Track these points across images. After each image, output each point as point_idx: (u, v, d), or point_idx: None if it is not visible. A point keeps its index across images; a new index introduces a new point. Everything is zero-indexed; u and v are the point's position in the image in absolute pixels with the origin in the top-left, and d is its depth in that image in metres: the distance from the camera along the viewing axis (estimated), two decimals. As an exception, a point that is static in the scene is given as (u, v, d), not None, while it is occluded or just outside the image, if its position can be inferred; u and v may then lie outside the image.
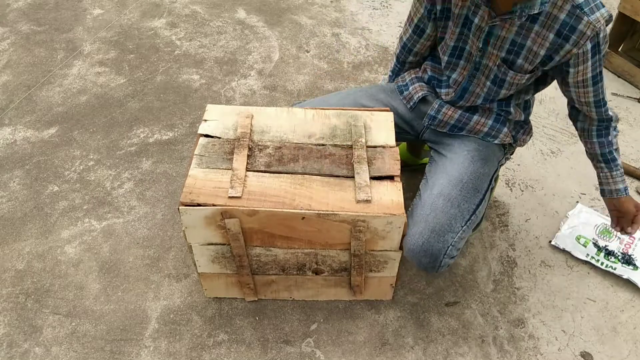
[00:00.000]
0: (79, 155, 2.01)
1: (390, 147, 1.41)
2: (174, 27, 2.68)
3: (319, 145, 1.41)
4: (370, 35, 2.65)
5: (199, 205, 1.25)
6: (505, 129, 1.47)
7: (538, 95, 2.29)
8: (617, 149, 1.42)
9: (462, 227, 1.34)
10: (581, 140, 1.48)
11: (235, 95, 2.28)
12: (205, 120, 1.46)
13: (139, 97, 2.27)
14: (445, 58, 1.42)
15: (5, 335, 1.49)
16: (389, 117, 1.48)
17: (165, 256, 1.68)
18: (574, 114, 1.45)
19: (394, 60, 1.63)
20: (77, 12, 2.77)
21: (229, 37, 2.62)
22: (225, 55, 2.50)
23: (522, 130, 1.53)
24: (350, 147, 1.40)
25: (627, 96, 2.30)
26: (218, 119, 1.46)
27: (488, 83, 1.38)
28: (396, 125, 1.49)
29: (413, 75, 1.57)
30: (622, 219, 1.48)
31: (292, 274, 1.45)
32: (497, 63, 1.32)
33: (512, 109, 1.45)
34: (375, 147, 1.41)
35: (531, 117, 2.16)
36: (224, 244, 1.35)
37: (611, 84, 2.36)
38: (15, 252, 1.69)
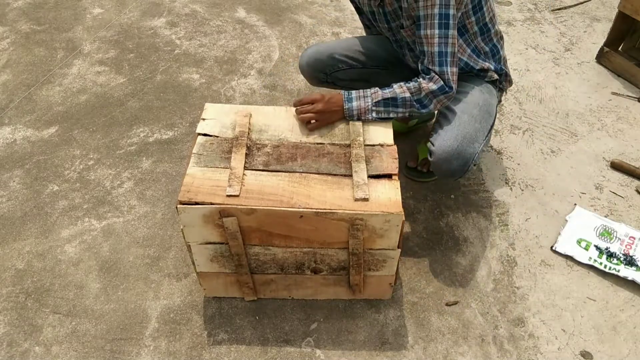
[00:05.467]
0: (78, 154, 2.01)
1: (388, 145, 1.41)
2: (173, 26, 2.68)
3: (317, 144, 1.41)
4: (370, 35, 2.64)
5: (196, 203, 1.25)
6: (490, 70, 1.65)
7: (538, 95, 2.30)
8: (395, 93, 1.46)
9: (483, 140, 1.52)
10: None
11: (235, 95, 2.28)
12: (204, 119, 1.46)
13: (139, 96, 2.27)
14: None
15: (5, 334, 1.49)
16: (388, 115, 1.48)
17: (165, 255, 1.68)
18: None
19: None
20: (77, 12, 2.77)
21: (228, 36, 2.62)
22: (225, 54, 2.50)
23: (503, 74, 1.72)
24: (349, 145, 1.40)
25: (627, 95, 2.29)
26: (216, 118, 1.46)
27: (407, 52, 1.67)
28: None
29: None
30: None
31: (291, 273, 1.45)
32: (400, 32, 1.56)
33: (473, 64, 1.61)
34: (373, 145, 1.41)
35: (530, 116, 2.17)
36: (222, 243, 1.35)
37: (611, 83, 2.35)
38: (15, 251, 1.69)
